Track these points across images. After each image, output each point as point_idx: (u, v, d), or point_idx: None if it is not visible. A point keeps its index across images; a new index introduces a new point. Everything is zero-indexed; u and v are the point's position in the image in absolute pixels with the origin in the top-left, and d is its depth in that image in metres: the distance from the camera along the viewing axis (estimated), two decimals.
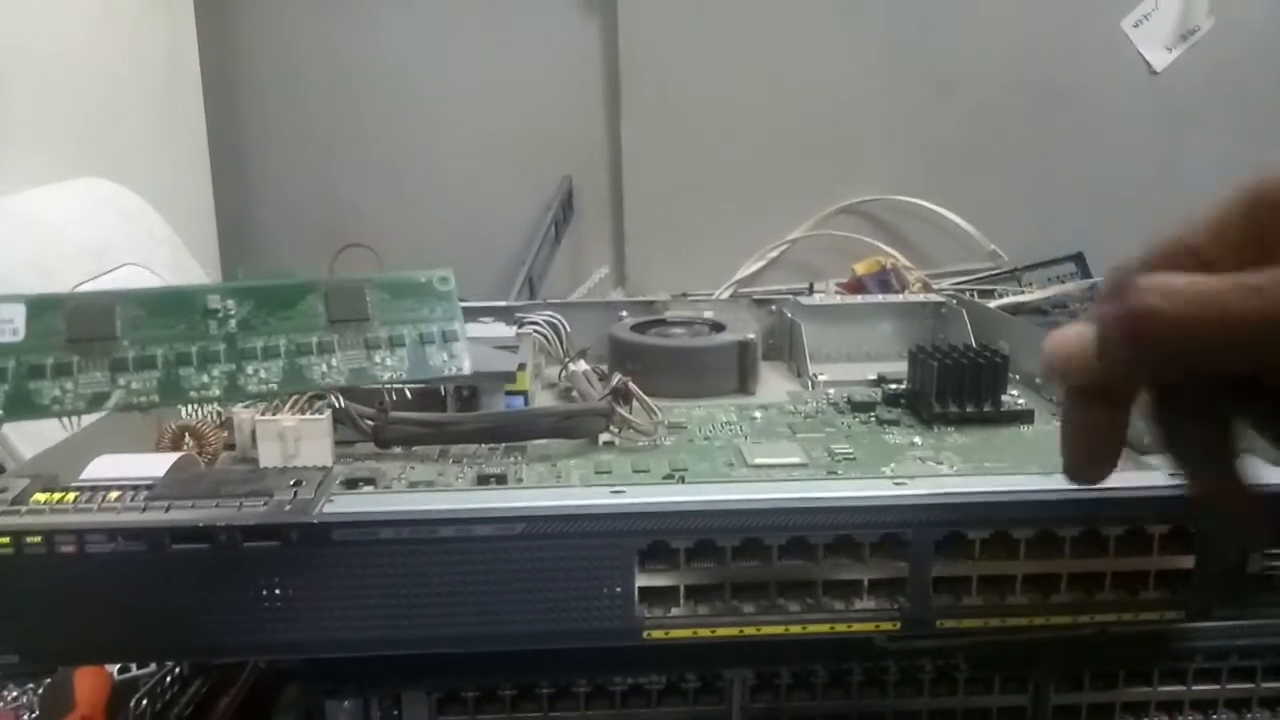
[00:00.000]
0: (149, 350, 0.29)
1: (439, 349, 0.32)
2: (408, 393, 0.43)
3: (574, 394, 0.48)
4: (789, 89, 1.03)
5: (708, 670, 0.34)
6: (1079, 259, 0.98)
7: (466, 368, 0.32)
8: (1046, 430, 0.44)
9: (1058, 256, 0.99)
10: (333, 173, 1.07)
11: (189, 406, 0.42)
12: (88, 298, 0.30)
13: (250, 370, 0.30)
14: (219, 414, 0.43)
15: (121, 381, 0.29)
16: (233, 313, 0.30)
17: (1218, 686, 0.36)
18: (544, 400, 0.50)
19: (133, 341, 0.29)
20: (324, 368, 0.30)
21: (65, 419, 0.29)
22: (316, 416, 0.39)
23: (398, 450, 0.41)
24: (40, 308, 0.29)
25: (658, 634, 0.31)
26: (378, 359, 0.31)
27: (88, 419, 0.32)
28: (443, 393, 0.44)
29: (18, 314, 0.29)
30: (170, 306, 0.30)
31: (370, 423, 0.40)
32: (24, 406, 0.28)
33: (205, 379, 0.29)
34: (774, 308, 0.61)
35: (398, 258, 1.03)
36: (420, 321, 0.32)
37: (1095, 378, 0.23)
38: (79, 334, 0.29)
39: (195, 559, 0.29)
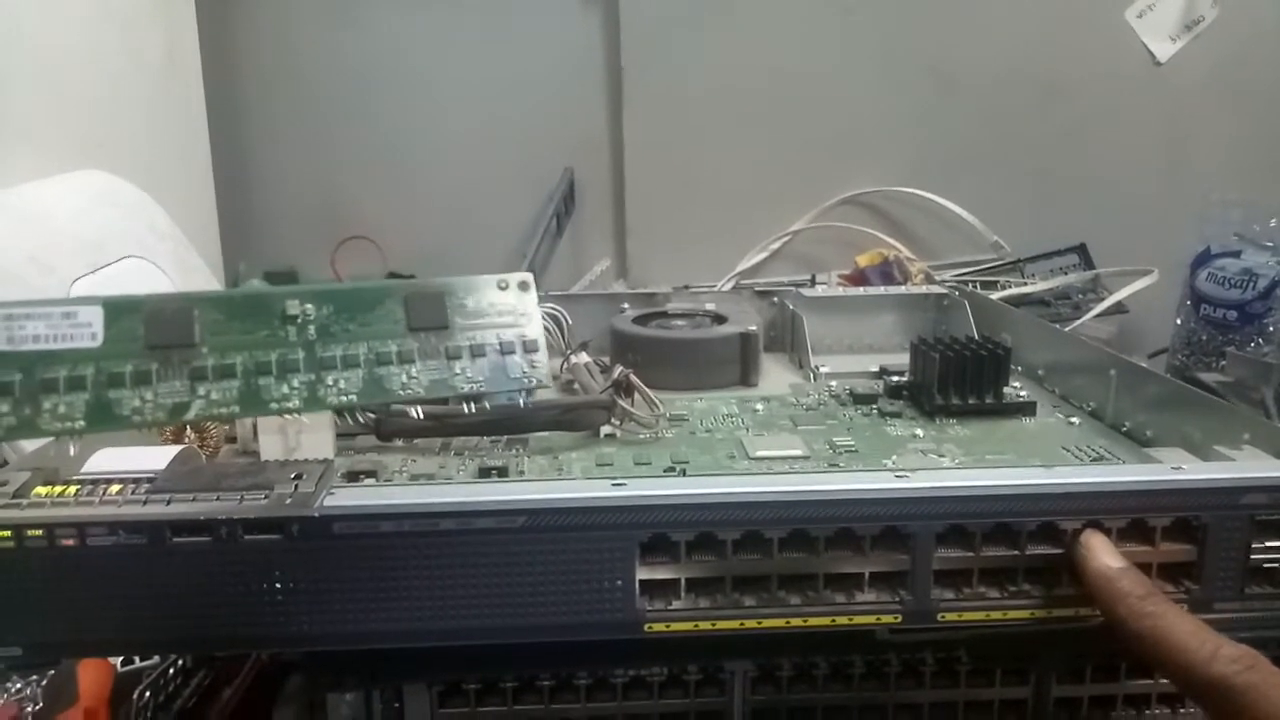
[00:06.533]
0: (228, 358, 0.28)
1: (520, 359, 0.30)
2: None
3: (575, 386, 0.48)
4: (790, 80, 1.02)
5: (709, 663, 0.34)
6: (1082, 250, 0.98)
7: (547, 380, 0.30)
8: (1049, 422, 0.44)
9: (1060, 248, 0.98)
10: (334, 165, 1.07)
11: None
12: (165, 300, 0.28)
13: (330, 381, 0.28)
14: None
15: (201, 391, 0.27)
16: (311, 318, 0.29)
17: None
18: (546, 393, 0.50)
19: (212, 349, 0.28)
20: (404, 378, 0.29)
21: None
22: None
23: (399, 443, 0.41)
24: (117, 310, 0.27)
25: (659, 627, 0.31)
26: (458, 369, 0.30)
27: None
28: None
29: (96, 317, 0.27)
30: (249, 310, 0.28)
31: (372, 415, 0.40)
32: (105, 417, 0.27)
33: (285, 389, 0.28)
34: (776, 299, 0.61)
35: (399, 250, 1.03)
36: (501, 329, 0.30)
37: None
38: (157, 340, 0.27)
39: (196, 552, 0.29)
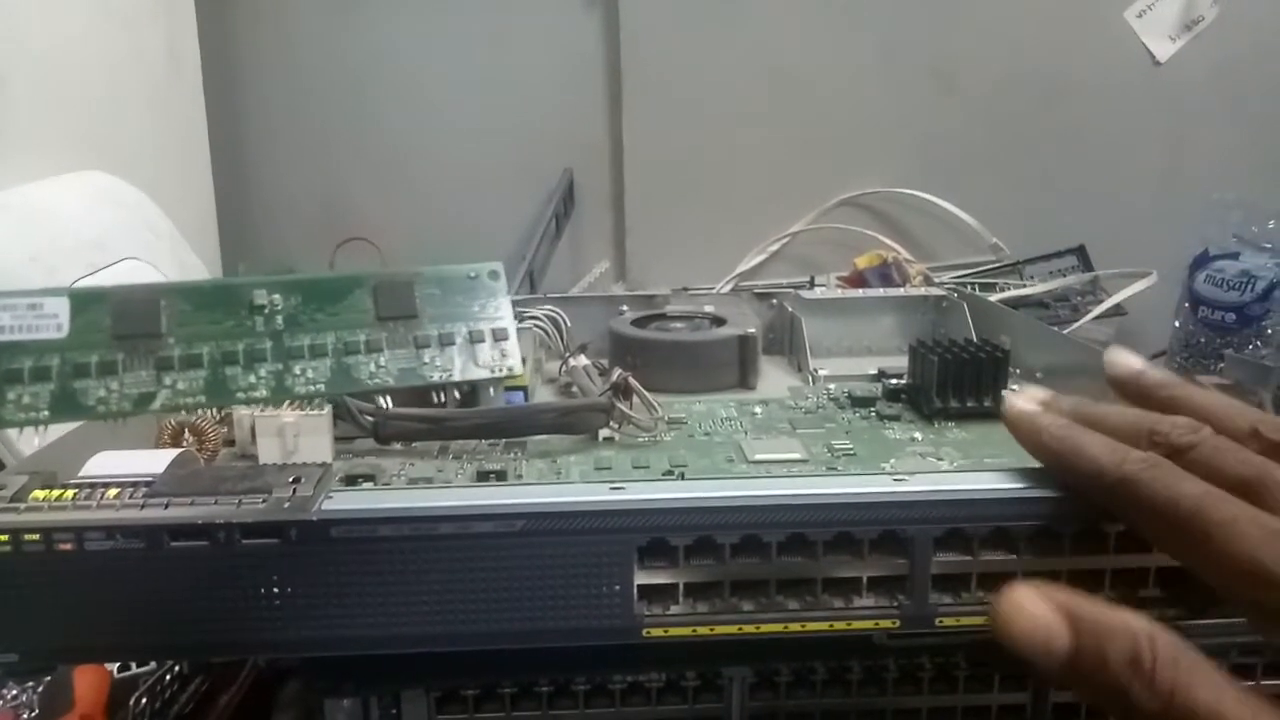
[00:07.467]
0: (195, 348, 0.28)
1: (490, 347, 0.30)
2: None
3: (574, 389, 0.48)
4: (790, 81, 1.02)
5: (707, 668, 0.34)
6: (1081, 252, 0.98)
7: (518, 367, 0.31)
8: None
9: (1059, 249, 0.98)
10: (333, 166, 1.07)
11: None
12: (132, 291, 0.29)
13: (298, 370, 0.28)
14: (218, 410, 0.43)
15: (167, 381, 0.28)
16: (279, 308, 0.29)
17: None
18: (544, 395, 0.50)
19: (178, 339, 0.28)
20: (372, 367, 0.29)
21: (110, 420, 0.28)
22: (316, 412, 0.38)
23: (397, 446, 0.41)
24: (84, 302, 0.28)
25: (657, 632, 0.31)
26: (427, 358, 0.30)
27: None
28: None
29: (62, 308, 0.28)
30: (216, 301, 0.29)
31: (370, 419, 0.40)
32: (70, 407, 0.27)
33: (252, 379, 0.28)
34: (775, 301, 0.61)
35: (398, 251, 1.03)
36: (470, 318, 0.31)
37: None
38: (123, 330, 0.28)
39: (194, 556, 0.29)
